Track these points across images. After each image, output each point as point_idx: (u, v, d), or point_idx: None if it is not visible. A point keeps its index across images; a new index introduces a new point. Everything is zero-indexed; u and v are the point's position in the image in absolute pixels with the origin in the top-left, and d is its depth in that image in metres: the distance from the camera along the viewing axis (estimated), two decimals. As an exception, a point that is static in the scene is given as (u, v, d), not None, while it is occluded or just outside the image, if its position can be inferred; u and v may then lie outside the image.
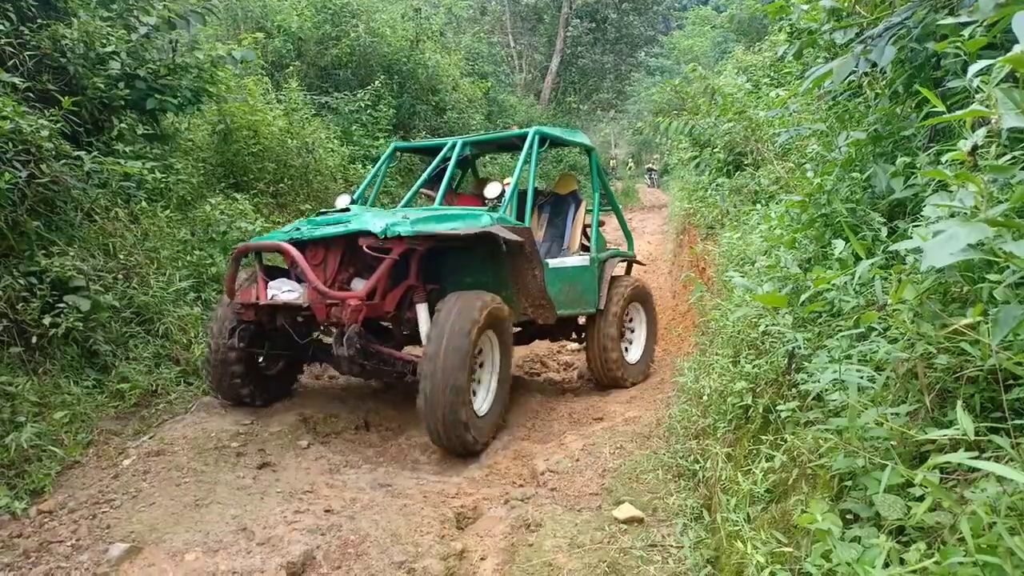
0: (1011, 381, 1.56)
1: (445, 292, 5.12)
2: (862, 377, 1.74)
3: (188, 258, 6.48)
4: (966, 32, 2.13)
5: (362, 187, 6.74)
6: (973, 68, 1.54)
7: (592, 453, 4.60)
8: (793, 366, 2.33)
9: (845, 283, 2.05)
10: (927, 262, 1.25)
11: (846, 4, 2.98)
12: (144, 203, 6.26)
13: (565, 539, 3.52)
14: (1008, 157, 1.63)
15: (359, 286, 4.99)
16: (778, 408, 2.43)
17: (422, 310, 5.16)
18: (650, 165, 34.38)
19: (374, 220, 4.87)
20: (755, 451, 3.03)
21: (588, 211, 7.08)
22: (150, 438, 4.83)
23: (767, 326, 3.14)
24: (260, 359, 5.56)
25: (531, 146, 6.15)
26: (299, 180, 9.55)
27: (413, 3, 15.18)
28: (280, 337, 5.45)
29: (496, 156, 15.44)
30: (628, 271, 7.59)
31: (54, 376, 4.84)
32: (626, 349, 6.93)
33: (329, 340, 5.31)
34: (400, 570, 3.44)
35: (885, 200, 2.62)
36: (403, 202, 6.32)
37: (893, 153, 2.73)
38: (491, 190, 5.94)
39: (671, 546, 3.28)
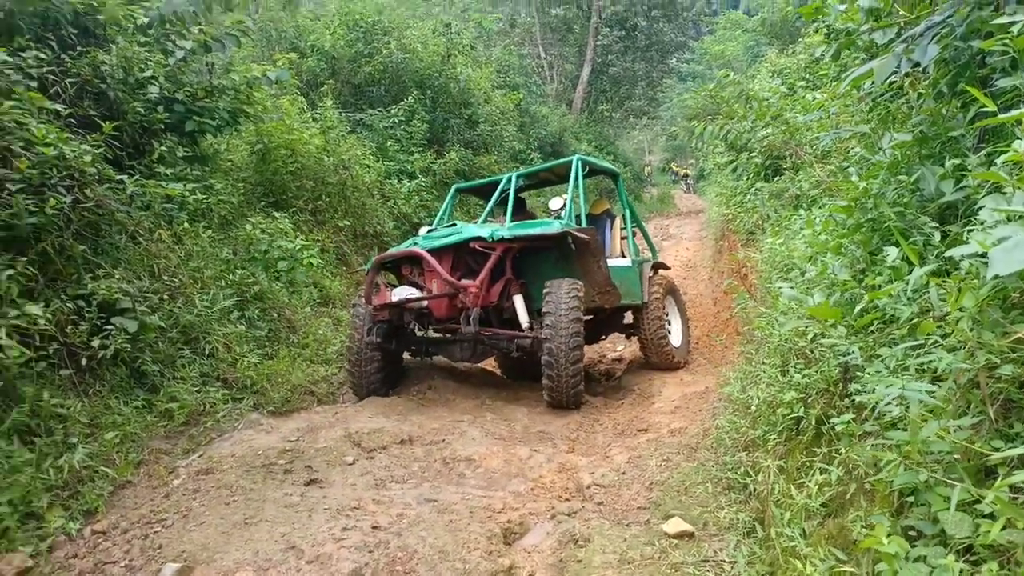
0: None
1: (530, 286, 6.67)
2: (921, 389, 1.69)
3: (231, 277, 6.58)
4: (1014, 29, 2.08)
5: (436, 220, 7.96)
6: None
7: (638, 466, 4.55)
8: (848, 378, 2.26)
9: (899, 291, 2.00)
10: (993, 270, 1.21)
11: (885, 4, 2.92)
12: (187, 224, 6.37)
13: (615, 555, 3.48)
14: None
15: None
16: (832, 420, 2.37)
17: (519, 300, 6.47)
18: (686, 171, 34.13)
19: (479, 229, 6.49)
20: (808, 464, 2.97)
21: (622, 227, 8.22)
22: (199, 456, 4.89)
23: (817, 336, 3.08)
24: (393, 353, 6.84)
25: (576, 170, 7.33)
26: (336, 197, 9.65)
27: (443, 18, 15.28)
28: (404, 334, 6.89)
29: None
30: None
31: (104, 397, 4.93)
32: (669, 334, 7.93)
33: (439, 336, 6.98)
34: (450, 586, 3.43)
35: (934, 203, 2.55)
36: (480, 222, 7.46)
37: (941, 155, 2.66)
38: (555, 203, 7.11)
39: (724, 561, 3.22)
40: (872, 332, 2.31)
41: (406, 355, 7.28)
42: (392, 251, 6.76)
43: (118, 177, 5.56)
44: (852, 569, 2.03)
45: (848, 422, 2.26)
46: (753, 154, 8.32)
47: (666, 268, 8.72)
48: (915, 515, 1.89)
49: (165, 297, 5.88)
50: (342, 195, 9.77)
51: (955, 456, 1.82)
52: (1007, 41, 2.06)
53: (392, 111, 12.54)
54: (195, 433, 5.27)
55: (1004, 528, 1.56)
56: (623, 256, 8.01)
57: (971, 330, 1.70)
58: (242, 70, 7.23)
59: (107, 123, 5.59)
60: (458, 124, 14.12)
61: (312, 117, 10.22)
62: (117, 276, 5.31)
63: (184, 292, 6.04)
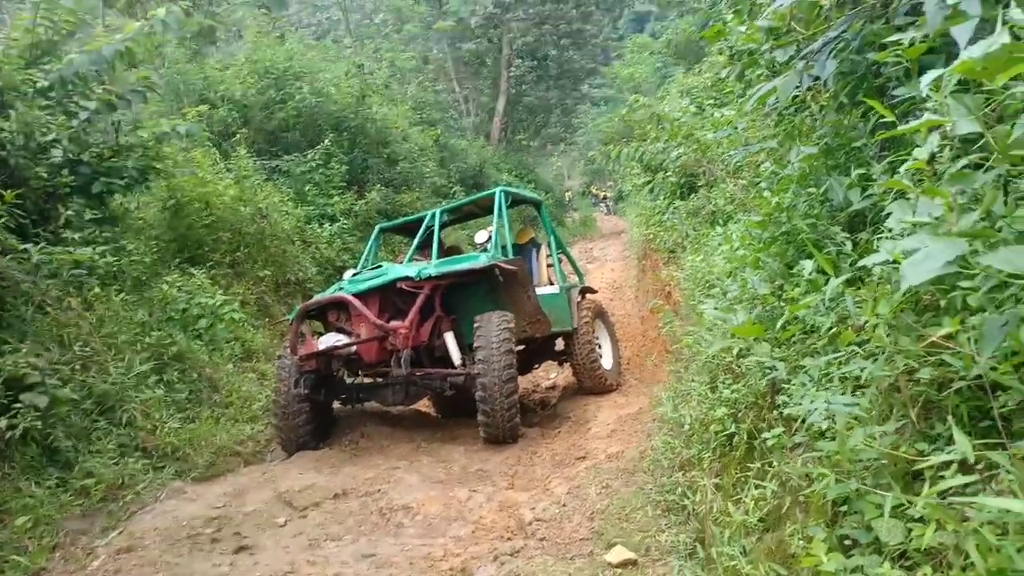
0: (999, 393, 1.50)
1: (461, 322, 6.60)
2: (844, 403, 1.68)
3: (147, 340, 6.30)
4: (906, 40, 2.13)
5: (361, 262, 7.95)
6: (925, 78, 1.51)
7: (578, 496, 4.49)
8: (776, 391, 2.26)
9: (817, 303, 2.01)
10: (906, 281, 1.21)
11: (781, 23, 2.98)
12: (97, 289, 6.09)
13: (561, 591, 3.41)
14: (963, 162, 1.60)
15: None
16: (763, 435, 2.36)
17: (450, 337, 6.43)
18: (605, 193, 34.70)
19: (405, 269, 6.49)
20: (743, 479, 2.96)
21: (548, 254, 8.25)
22: (119, 534, 4.62)
23: (743, 352, 3.08)
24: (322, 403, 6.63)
25: (500, 201, 7.39)
26: (255, 247, 9.40)
27: (355, 60, 15.23)
28: (334, 383, 6.76)
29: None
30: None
31: (13, 479, 4.62)
32: (600, 357, 7.94)
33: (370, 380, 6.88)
34: (395, 644, 3.29)
35: (844, 212, 2.60)
36: (406, 260, 7.46)
37: (846, 165, 2.72)
38: (480, 236, 7.28)
39: (669, 587, 3.18)
40: (795, 344, 2.31)
41: (336, 404, 7.06)
42: (317, 298, 6.66)
43: (22, 246, 5.28)
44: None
45: (778, 436, 2.25)
46: (668, 173, 8.48)
47: (593, 292, 8.77)
48: (849, 524, 1.88)
49: (77, 367, 5.60)
50: (261, 244, 9.52)
51: (882, 462, 1.81)
52: (899, 52, 2.11)
53: (309, 155, 12.36)
54: (114, 509, 4.97)
55: (935, 531, 1.56)
56: (551, 283, 8.02)
57: (888, 336, 1.71)
58: (150, 126, 7.01)
59: (8, 191, 5.31)
60: (377, 163, 14.02)
61: (226, 168, 9.98)
62: (24, 350, 5.01)
63: (97, 360, 5.76)
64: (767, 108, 3.59)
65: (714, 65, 10.87)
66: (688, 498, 3.52)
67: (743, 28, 3.45)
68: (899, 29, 2.45)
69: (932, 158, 1.64)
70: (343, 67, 15.04)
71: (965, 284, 1.63)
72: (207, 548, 4.36)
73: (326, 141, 12.50)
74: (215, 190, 8.86)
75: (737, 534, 2.74)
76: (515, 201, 8.31)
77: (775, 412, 2.75)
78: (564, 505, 4.39)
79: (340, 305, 6.46)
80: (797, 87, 2.69)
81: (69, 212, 6.12)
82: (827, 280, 2.09)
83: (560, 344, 8.13)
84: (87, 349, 5.76)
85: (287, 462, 6.04)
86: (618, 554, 3.56)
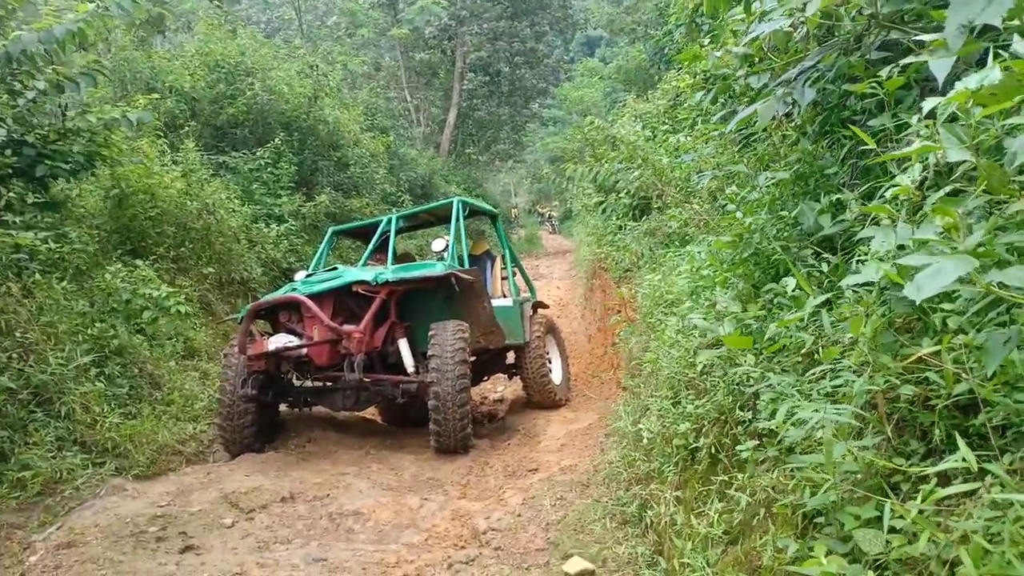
0: (988, 409, 1.60)
1: (414, 329, 6.54)
2: (841, 412, 1.75)
3: (88, 331, 6.10)
4: (883, 72, 2.25)
5: (313, 264, 7.83)
6: (928, 102, 1.60)
7: (533, 507, 4.52)
8: (755, 405, 2.33)
9: (796, 320, 2.09)
10: (919, 294, 1.28)
11: (757, 51, 3.11)
12: (38, 276, 5.88)
13: (517, 599, 3.43)
14: (948, 189, 1.71)
15: None
16: (736, 448, 2.43)
17: (403, 344, 6.40)
18: (551, 212, 35.06)
19: (362, 273, 6.46)
20: (705, 493, 3.03)
21: (502, 267, 8.35)
22: (57, 529, 4.46)
23: (706, 367, 3.17)
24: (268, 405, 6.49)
25: (457, 211, 7.45)
26: (200, 243, 9.20)
27: (309, 59, 15.06)
28: (281, 385, 6.64)
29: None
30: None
31: (-57, 469, 4.43)
32: (550, 372, 8.03)
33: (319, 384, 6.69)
34: (347, 649, 3.26)
35: (813, 237, 2.71)
36: (360, 265, 7.37)
37: (816, 191, 2.84)
38: (437, 245, 7.05)
39: (627, 597, 3.23)
40: (775, 359, 2.40)
41: (283, 407, 6.93)
42: (269, 297, 6.55)
43: (-40, 226, 5.06)
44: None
45: (751, 449, 2.33)
46: (621, 195, 8.64)
47: (545, 307, 8.84)
48: (825, 535, 1.95)
49: (14, 356, 5.40)
50: (206, 241, 9.31)
51: (857, 475, 1.90)
52: (875, 85, 2.22)
53: (258, 153, 12.15)
54: (52, 503, 4.83)
55: (911, 542, 1.64)
56: (504, 296, 8.06)
57: (869, 353, 1.80)
58: (99, 112, 6.80)
59: (-55, 169, 5.10)
60: (327, 166, 13.87)
61: (172, 160, 9.74)
62: (-39, 334, 4.81)
63: (35, 350, 5.56)
64: (732, 134, 3.71)
65: (667, 92, 11.15)
66: (647, 511, 3.58)
67: (718, 53, 3.57)
68: (871, 63, 2.60)
69: (922, 184, 1.74)
70: (296, 66, 14.86)
71: (947, 307, 1.74)
72: (152, 547, 4.24)
73: (276, 140, 12.32)
74: (161, 182, 8.64)
75: (700, 546, 2.81)
76: (472, 212, 8.33)
77: (739, 427, 2.84)
78: (519, 515, 4.41)
79: (292, 306, 6.35)
80: (775, 113, 2.81)
81: (11, 194, 5.89)
82: (806, 299, 2.19)
83: (511, 357, 8.16)
84: (26, 337, 5.56)
85: (231, 463, 5.89)
86: (575, 564, 3.60)
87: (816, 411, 1.74)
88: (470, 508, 4.80)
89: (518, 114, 29.32)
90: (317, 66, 14.52)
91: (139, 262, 7.36)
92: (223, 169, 11.75)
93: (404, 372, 6.33)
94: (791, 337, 2.20)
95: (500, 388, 9.66)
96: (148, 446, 5.75)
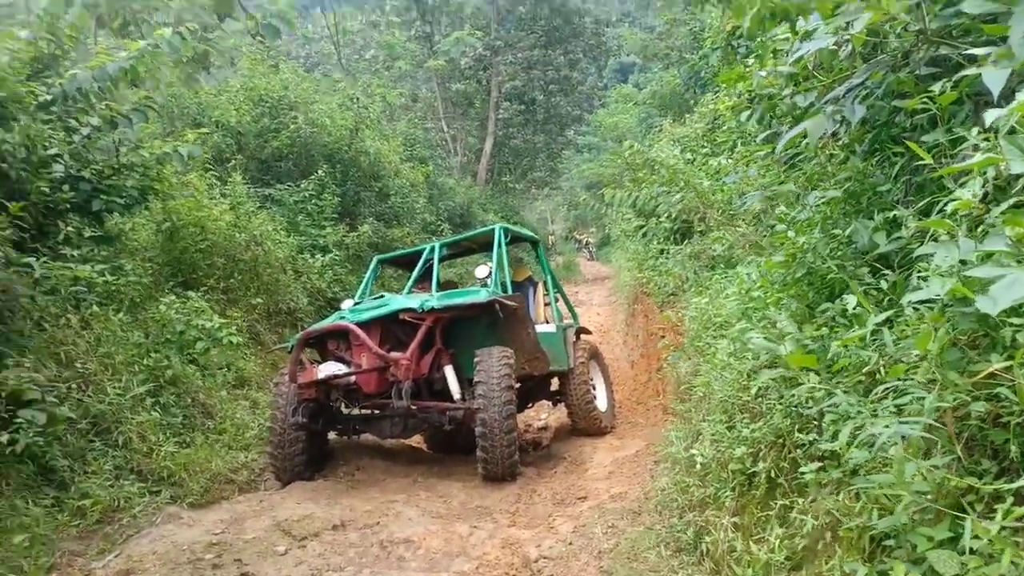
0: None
1: (459, 356, 6.56)
2: (914, 425, 1.74)
3: (144, 362, 6.24)
4: (936, 87, 2.25)
5: (359, 293, 7.86)
6: (990, 113, 1.60)
7: (584, 535, 4.49)
8: (819, 426, 2.31)
9: (863, 339, 2.08)
10: (995, 307, 1.27)
11: (802, 70, 3.12)
12: (96, 308, 6.05)
13: (571, 628, 3.40)
14: (1012, 201, 1.70)
15: None
16: (800, 470, 2.41)
17: (450, 371, 6.41)
18: (588, 238, 35.06)
19: (408, 300, 6.51)
20: (764, 518, 2.99)
21: (544, 293, 8.32)
22: (116, 556, 4.55)
23: (762, 390, 3.15)
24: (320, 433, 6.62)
25: (499, 238, 7.47)
26: (249, 274, 9.37)
27: (350, 92, 15.36)
28: (330, 413, 6.66)
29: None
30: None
31: (9, 497, 4.55)
32: (595, 398, 7.93)
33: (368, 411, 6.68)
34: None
35: (868, 255, 2.69)
36: (404, 293, 7.43)
37: (868, 209, 2.82)
38: (480, 271, 7.25)
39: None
40: (834, 380, 2.37)
41: (331, 435, 7.00)
42: (318, 326, 6.64)
43: (24, 260, 5.23)
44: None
45: (814, 471, 2.30)
46: (662, 219, 8.63)
47: (588, 332, 8.80)
48: (895, 559, 1.92)
49: (74, 386, 5.54)
50: (254, 272, 9.49)
51: (928, 495, 1.87)
52: (926, 100, 2.22)
53: (302, 185, 12.40)
54: (110, 531, 4.93)
55: (987, 563, 1.61)
56: (547, 322, 8.04)
57: (936, 370, 1.78)
58: (150, 147, 7.02)
59: (13, 204, 5.29)
60: (369, 197, 14.08)
61: (220, 193, 9.98)
62: (27, 365, 4.96)
63: (94, 380, 5.71)
64: (780, 155, 3.70)
65: (704, 115, 11.15)
66: (703, 538, 3.54)
67: (763, 73, 3.58)
68: (920, 79, 2.59)
69: (985, 197, 1.73)
70: (337, 99, 15.17)
71: (1016, 321, 1.72)
72: (208, 574, 4.31)
73: (320, 172, 12.55)
74: (211, 215, 8.85)
75: (761, 573, 2.77)
76: (513, 239, 8.37)
77: (799, 450, 2.81)
78: (570, 543, 4.38)
79: (341, 334, 6.45)
80: (824, 131, 2.81)
81: (69, 228, 6.08)
82: (867, 317, 2.17)
83: (555, 384, 8.14)
84: (85, 368, 5.72)
85: (283, 491, 5.96)
86: (630, 592, 3.57)
87: (886, 426, 1.73)
88: (520, 536, 4.79)
89: (553, 141, 29.48)
90: (358, 99, 14.78)
91: (191, 293, 7.52)
92: (268, 201, 11.99)
93: (450, 399, 6.36)
94: (852, 356, 2.17)
95: (544, 416, 9.62)
96: (202, 475, 5.85)
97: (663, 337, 7.88)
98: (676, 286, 6.83)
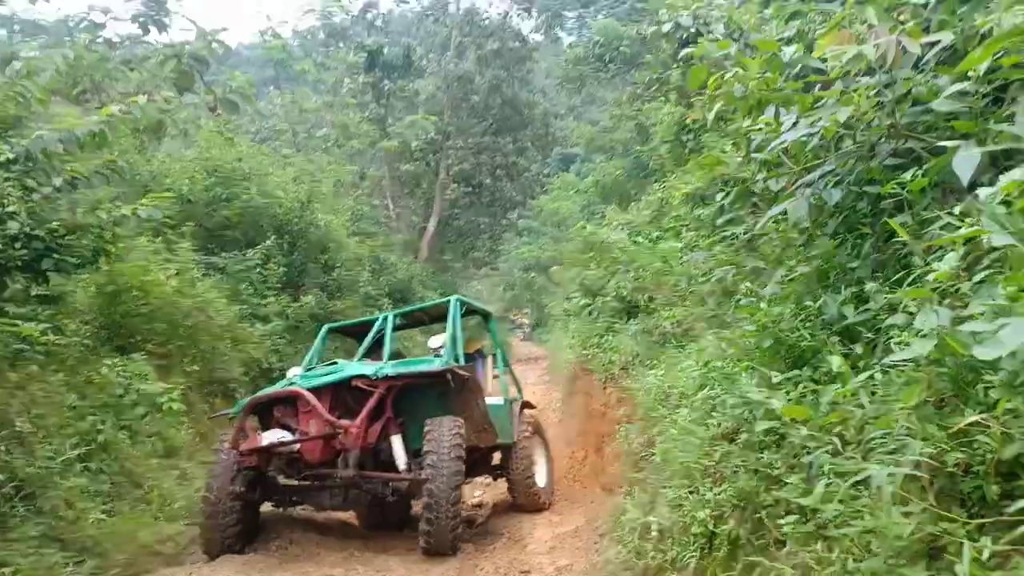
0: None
1: (407, 427, 6.46)
2: (884, 468, 1.83)
3: (78, 425, 6.00)
4: (907, 175, 2.46)
5: (306, 361, 7.65)
6: (984, 191, 1.76)
7: (534, 608, 4.42)
8: (812, 476, 2.37)
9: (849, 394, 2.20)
10: (1000, 350, 1.39)
11: (774, 158, 3.34)
12: (35, 367, 5.83)
13: None
14: (986, 272, 1.86)
15: None
16: (769, 529, 2.47)
17: (397, 440, 6.32)
18: (523, 319, 35.47)
19: (362, 367, 6.49)
20: (726, 580, 3.03)
21: (494, 366, 8.36)
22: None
23: (723, 455, 3.24)
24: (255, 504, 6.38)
25: (455, 309, 7.51)
26: (188, 341, 9.18)
27: (306, 167, 15.54)
28: (267, 483, 6.43)
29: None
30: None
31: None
32: (535, 473, 7.96)
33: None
34: None
35: (837, 326, 2.85)
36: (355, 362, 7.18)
37: (836, 285, 3.00)
38: (434, 341, 7.24)
39: None
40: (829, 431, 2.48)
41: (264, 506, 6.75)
42: (267, 391, 6.55)
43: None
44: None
45: (793, 523, 2.36)
46: (609, 297, 8.85)
47: (532, 407, 8.82)
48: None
49: (2, 447, 5.28)
50: (193, 339, 9.31)
51: (903, 544, 1.95)
52: (896, 186, 2.42)
53: (248, 254, 12.31)
54: (27, 605, 4.62)
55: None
56: (494, 395, 7.97)
57: (915, 424, 1.89)
58: (108, 209, 6.92)
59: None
60: (315, 268, 14.08)
61: (165, 259, 9.83)
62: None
63: (26, 442, 5.46)
64: (761, 229, 3.88)
65: (651, 203, 11.59)
66: (662, 604, 3.54)
67: (739, 158, 3.81)
68: (886, 168, 2.82)
69: (969, 267, 1.89)
70: (291, 173, 15.26)
71: (989, 377, 1.85)
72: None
73: (268, 241, 12.50)
74: (156, 279, 8.71)
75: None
76: (467, 311, 8.40)
77: (764, 511, 2.87)
78: (523, 614, 4.31)
79: (289, 400, 6.32)
80: (802, 211, 3.01)
81: (16, 286, 5.91)
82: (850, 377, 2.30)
83: (496, 458, 8.06)
84: (16, 429, 5.46)
85: (212, 564, 5.70)
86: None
87: (879, 466, 1.82)
88: (469, 609, 4.67)
89: (497, 223, 30.04)
90: (313, 174, 14.94)
91: (135, 356, 7.32)
92: (212, 269, 11.85)
93: (395, 470, 6.25)
94: (840, 409, 2.27)
95: (478, 492, 9.46)
96: (127, 546, 5.60)
97: (603, 414, 7.96)
98: (626, 361, 6.95)
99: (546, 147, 31.70)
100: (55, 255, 6.21)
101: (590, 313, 9.53)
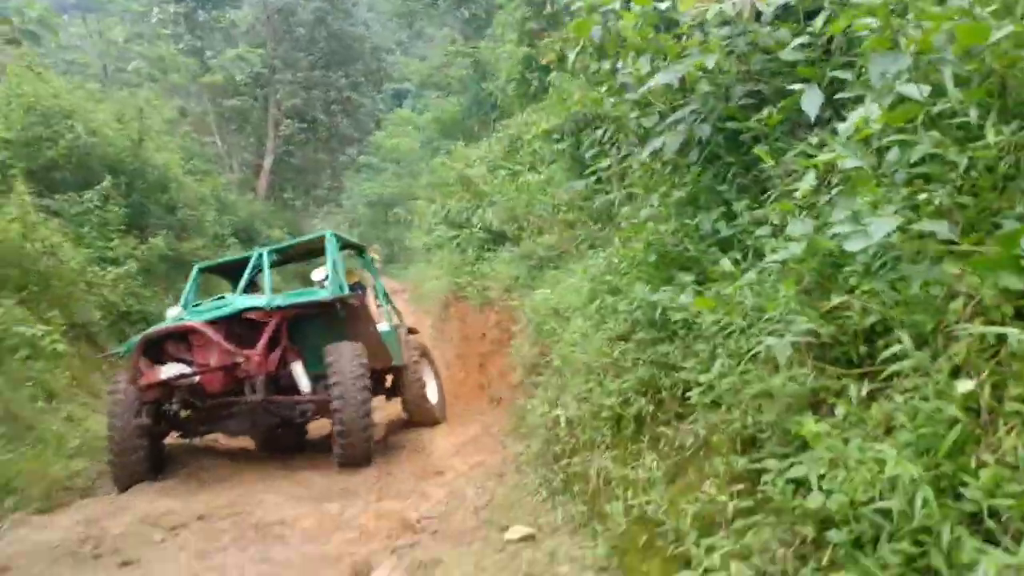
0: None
1: (303, 353, 6.72)
2: (779, 338, 2.51)
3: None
4: (764, 112, 3.15)
5: (182, 301, 7.63)
6: (852, 115, 2.38)
7: (457, 496, 5.00)
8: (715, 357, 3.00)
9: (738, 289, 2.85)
10: (869, 240, 2.03)
11: (644, 99, 3.98)
12: None
13: (470, 566, 3.89)
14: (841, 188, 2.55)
15: None
16: (687, 393, 3.11)
17: (298, 365, 6.64)
18: (373, 255, 35.30)
19: (253, 299, 6.71)
20: (635, 451, 3.70)
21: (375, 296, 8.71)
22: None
23: (623, 351, 3.91)
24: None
25: (332, 243, 7.75)
26: (42, 286, 8.81)
27: (134, 102, 14.70)
28: (169, 415, 6.59)
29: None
30: None
31: None
32: (426, 392, 8.41)
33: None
34: (327, 622, 3.61)
35: (710, 240, 3.55)
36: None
37: (707, 205, 3.69)
38: (317, 274, 7.48)
39: (574, 547, 3.82)
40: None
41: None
42: (160, 326, 6.61)
43: None
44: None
45: (698, 395, 3.00)
46: (475, 229, 9.40)
47: (416, 332, 9.26)
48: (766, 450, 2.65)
49: None
50: (46, 284, 8.94)
51: (789, 399, 2.65)
52: (759, 121, 3.11)
53: (85, 196, 11.71)
54: (-49, 542, 4.66)
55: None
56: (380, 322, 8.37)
57: (795, 306, 2.58)
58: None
59: None
60: (157, 209, 13.56)
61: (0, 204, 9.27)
62: None
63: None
64: (644, 160, 4.49)
65: (502, 139, 12.13)
66: (575, 483, 4.19)
67: (613, 100, 4.42)
68: (742, 107, 3.51)
69: (819, 187, 2.59)
70: (111, 109, 14.39)
71: (847, 269, 2.56)
72: (91, 564, 4.34)
73: (105, 183, 11.93)
74: None
75: (640, 490, 3.46)
76: (342, 246, 8.63)
77: (665, 392, 3.56)
78: (446, 504, 4.88)
79: (180, 335, 6.44)
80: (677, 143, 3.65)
81: None
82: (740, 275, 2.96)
83: (388, 381, 8.48)
84: None
85: (130, 493, 5.85)
86: (517, 531, 4.13)
87: (775, 338, 2.48)
88: (393, 507, 5.17)
89: (336, 161, 29.57)
90: (141, 109, 14.18)
91: (5, 301, 7.05)
92: (47, 212, 11.20)
93: (297, 393, 6.58)
94: (736, 299, 2.91)
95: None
96: (40, 483, 5.63)
97: (483, 336, 8.58)
98: (508, 286, 7.53)
99: (379, 82, 31.30)
100: None
101: (458, 245, 10.03)
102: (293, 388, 6.60)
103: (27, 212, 9.30)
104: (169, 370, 6.25)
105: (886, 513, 1.92)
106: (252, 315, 6.47)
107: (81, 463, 6.35)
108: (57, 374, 7.82)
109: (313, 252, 8.62)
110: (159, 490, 5.92)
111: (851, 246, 2.13)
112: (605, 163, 5.09)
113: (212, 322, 6.38)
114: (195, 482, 6.19)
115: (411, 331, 8.98)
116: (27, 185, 11.38)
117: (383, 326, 8.03)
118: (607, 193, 5.46)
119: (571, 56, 4.94)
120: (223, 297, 7.17)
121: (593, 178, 5.50)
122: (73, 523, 4.97)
